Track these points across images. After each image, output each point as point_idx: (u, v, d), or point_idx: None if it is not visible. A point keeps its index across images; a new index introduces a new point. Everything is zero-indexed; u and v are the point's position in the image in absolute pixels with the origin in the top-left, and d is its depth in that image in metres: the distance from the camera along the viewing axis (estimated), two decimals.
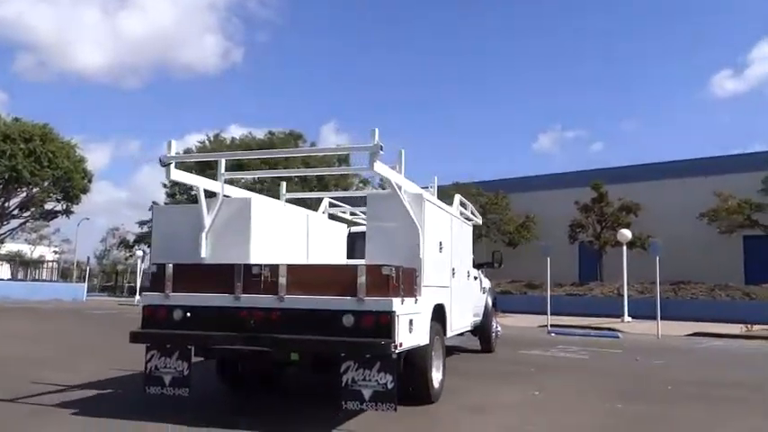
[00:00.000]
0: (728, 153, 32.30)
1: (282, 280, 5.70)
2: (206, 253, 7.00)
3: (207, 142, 48.32)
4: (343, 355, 5.49)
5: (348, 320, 5.47)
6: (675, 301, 22.11)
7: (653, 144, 78.87)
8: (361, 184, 52.76)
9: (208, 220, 6.99)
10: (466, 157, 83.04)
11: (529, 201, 32.82)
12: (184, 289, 5.98)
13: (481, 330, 10.95)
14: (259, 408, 6.53)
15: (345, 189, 51.59)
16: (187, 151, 49.19)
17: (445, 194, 8.75)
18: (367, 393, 5.41)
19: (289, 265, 5.80)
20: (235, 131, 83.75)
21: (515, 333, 15.67)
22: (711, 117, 74.71)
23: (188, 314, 5.91)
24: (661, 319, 16.09)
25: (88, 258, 44.33)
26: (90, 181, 42.83)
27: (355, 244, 9.62)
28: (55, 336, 14.21)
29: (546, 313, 19.40)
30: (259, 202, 7.32)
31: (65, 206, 42.58)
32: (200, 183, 6.83)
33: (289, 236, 7.87)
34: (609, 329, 17.64)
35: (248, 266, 5.89)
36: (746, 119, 77.45)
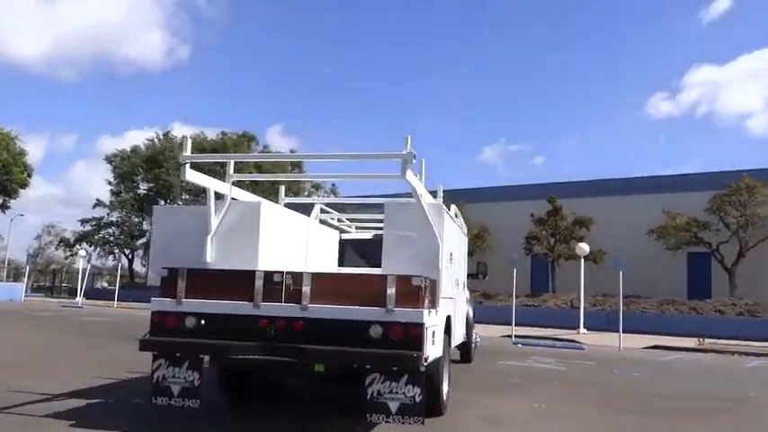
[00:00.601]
0: (676, 173, 33.73)
1: (306, 288, 5.53)
2: (211, 257, 6.74)
3: (156, 140, 46.99)
4: (368, 367, 5.37)
5: (376, 331, 5.34)
6: (627, 314, 22.71)
7: (592, 160, 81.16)
8: (313, 189, 52.53)
9: (214, 223, 6.73)
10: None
11: (481, 212, 33.27)
12: (198, 295, 5.72)
13: (462, 340, 10.94)
14: (267, 419, 6.31)
15: (297, 194, 51.26)
16: (134, 149, 47.70)
17: None
18: (393, 406, 5.30)
19: (313, 274, 5.64)
20: (179, 130, 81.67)
21: (482, 343, 15.77)
22: (648, 136, 77.73)
23: (202, 322, 5.65)
24: (616, 331, 16.56)
25: (28, 257, 42.45)
26: (30, 175, 41.11)
27: (345, 251, 9.49)
28: (11, 339, 13.43)
29: (504, 323, 19.74)
30: (267, 206, 7.10)
31: (1, 201, 40.64)
32: (211, 184, 6.58)
33: (290, 241, 7.68)
34: (572, 341, 17.99)
35: (269, 273, 5.69)
36: (680, 140, 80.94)
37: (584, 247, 21.43)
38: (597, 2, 77.53)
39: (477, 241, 32.12)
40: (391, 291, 5.35)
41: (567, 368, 11.68)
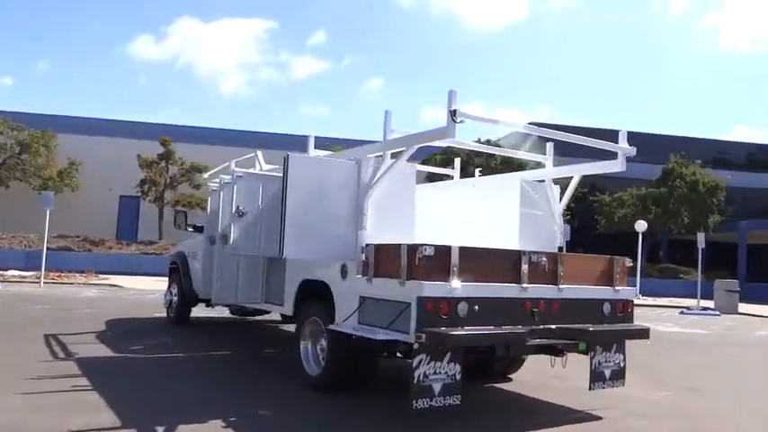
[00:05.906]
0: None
1: (561, 269, 5.53)
2: (370, 228, 5.61)
3: None
4: (590, 341, 5.82)
5: (606, 308, 5.85)
6: None
7: (71, 91, 71.49)
8: None
9: (375, 185, 5.60)
10: None
11: (75, 144, 29.04)
12: (469, 278, 4.98)
13: None
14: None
15: None
16: None
17: None
18: (607, 373, 5.92)
19: (562, 255, 5.62)
20: None
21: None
22: (128, 77, 74.32)
23: (476, 308, 4.97)
24: None
25: None
26: None
27: None
28: None
29: None
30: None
31: None
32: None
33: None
34: None
35: (527, 253, 5.37)
36: (159, 85, 79.22)
37: None
38: None
39: (66, 178, 28.00)
40: (618, 271, 5.91)
41: None
